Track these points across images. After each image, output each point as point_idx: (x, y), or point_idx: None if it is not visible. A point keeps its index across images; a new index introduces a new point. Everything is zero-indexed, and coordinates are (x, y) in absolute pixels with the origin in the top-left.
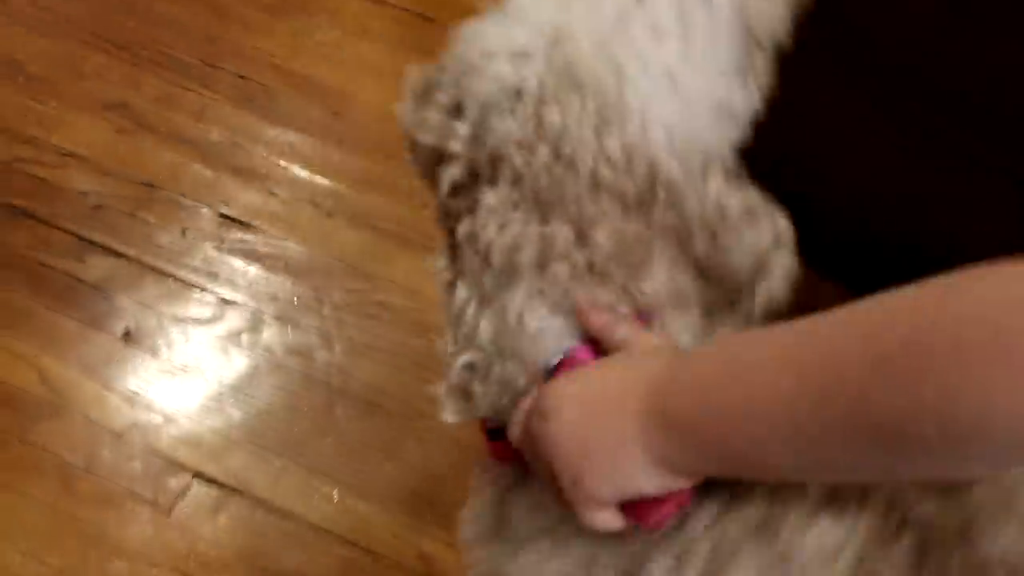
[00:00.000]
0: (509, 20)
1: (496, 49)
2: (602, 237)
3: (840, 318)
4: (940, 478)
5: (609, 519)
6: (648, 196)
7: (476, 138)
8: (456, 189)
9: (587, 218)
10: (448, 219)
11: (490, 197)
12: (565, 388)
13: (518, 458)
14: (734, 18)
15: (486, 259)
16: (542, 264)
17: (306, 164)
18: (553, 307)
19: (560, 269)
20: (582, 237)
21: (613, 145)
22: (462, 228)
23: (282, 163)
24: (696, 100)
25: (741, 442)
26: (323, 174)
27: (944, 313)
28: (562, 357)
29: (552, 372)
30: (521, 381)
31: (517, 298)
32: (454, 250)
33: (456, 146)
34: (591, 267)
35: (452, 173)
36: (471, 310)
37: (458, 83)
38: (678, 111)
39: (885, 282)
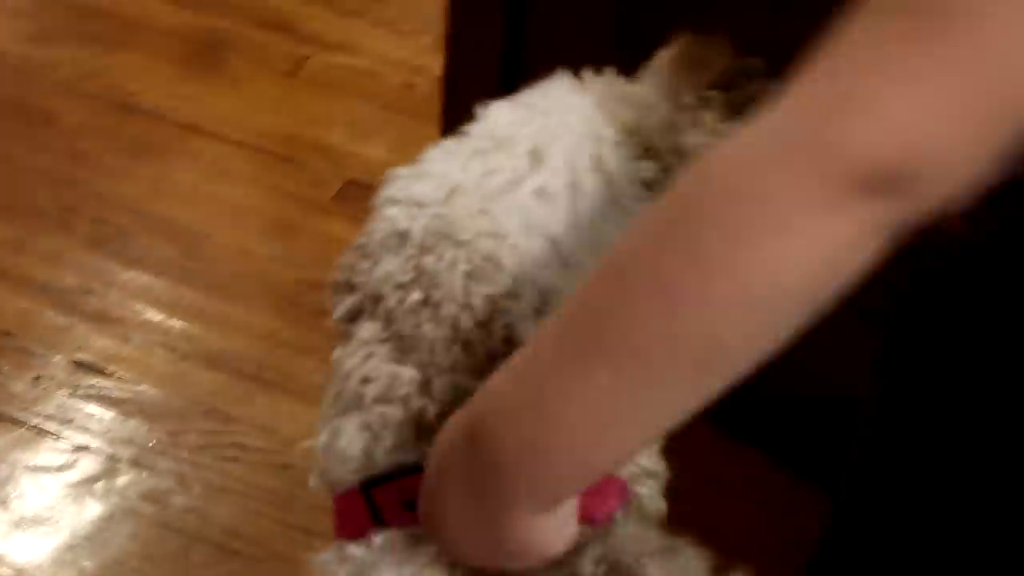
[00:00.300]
0: (417, 173)
1: (397, 196)
2: (441, 388)
3: (592, 283)
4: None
5: (564, 537)
6: (500, 355)
7: (369, 274)
8: (348, 316)
9: (435, 366)
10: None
11: (364, 330)
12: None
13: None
14: (637, 192)
15: (344, 384)
16: (383, 400)
17: (161, 307)
18: (372, 442)
19: (394, 411)
20: (425, 384)
21: (478, 298)
22: (335, 352)
23: (136, 306)
24: (580, 266)
25: (587, 457)
26: (178, 316)
27: (682, 217)
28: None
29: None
30: (331, 491)
31: (349, 425)
32: None
33: (358, 278)
34: (421, 419)
35: (349, 301)
36: (324, 418)
37: (369, 226)
38: (559, 276)
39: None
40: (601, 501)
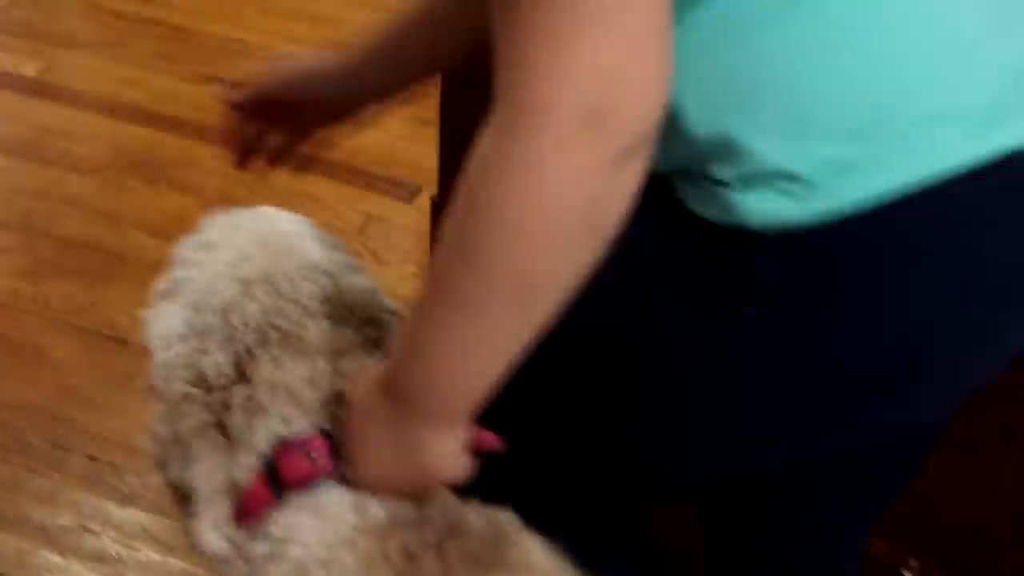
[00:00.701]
0: (213, 246)
1: (224, 260)
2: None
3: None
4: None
5: (462, 463)
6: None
7: (231, 336)
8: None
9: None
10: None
11: (266, 359)
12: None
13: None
14: None
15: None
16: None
17: (158, 545)
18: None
19: (311, 396)
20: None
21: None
22: (261, 371)
23: (134, 546)
24: None
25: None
26: (176, 555)
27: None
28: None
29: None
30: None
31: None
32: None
33: (211, 361)
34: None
35: (217, 360)
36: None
37: (195, 306)
38: None
39: None
40: (487, 438)
